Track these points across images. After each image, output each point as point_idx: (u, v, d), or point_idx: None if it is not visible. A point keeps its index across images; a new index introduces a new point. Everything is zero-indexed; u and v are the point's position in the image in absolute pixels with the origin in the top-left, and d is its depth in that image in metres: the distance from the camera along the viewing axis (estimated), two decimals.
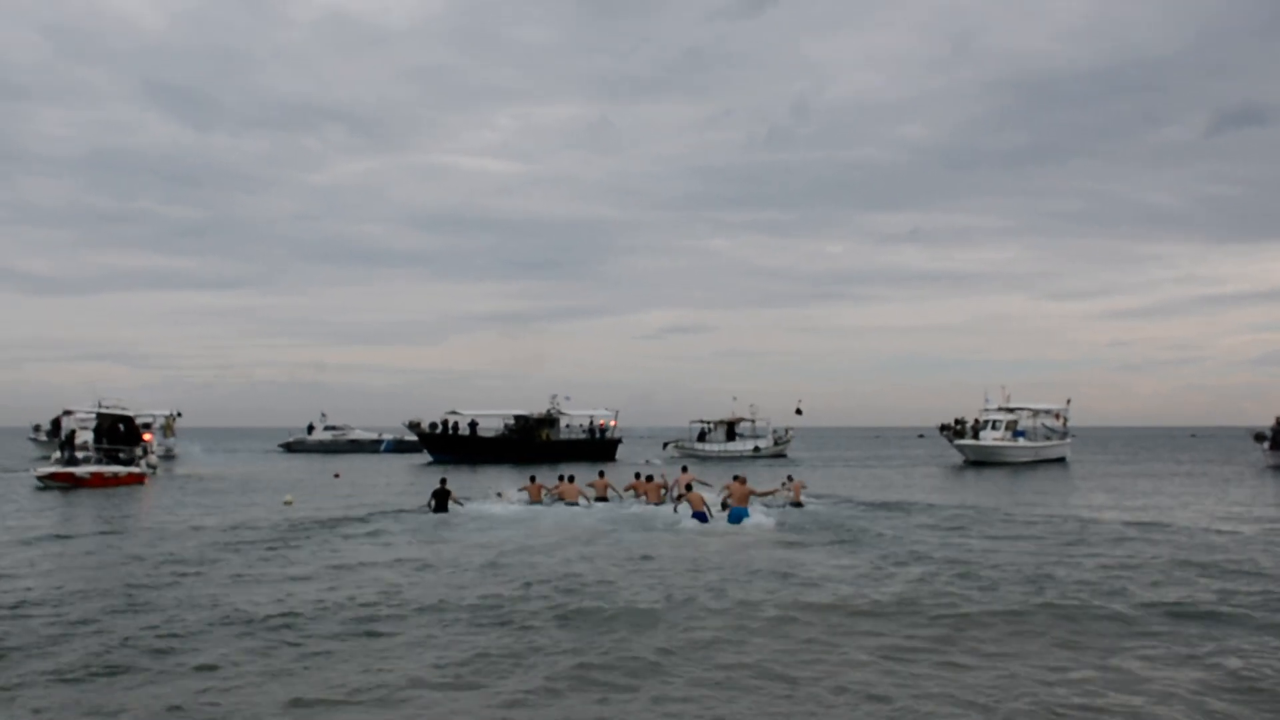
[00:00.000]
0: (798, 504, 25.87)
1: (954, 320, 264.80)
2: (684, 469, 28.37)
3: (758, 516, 22.37)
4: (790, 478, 27.90)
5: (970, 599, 13.65)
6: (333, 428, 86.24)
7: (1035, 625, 12.15)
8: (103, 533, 22.29)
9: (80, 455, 37.32)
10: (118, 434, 40.15)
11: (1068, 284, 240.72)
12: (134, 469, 38.35)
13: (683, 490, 24.69)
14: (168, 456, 60.23)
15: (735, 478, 23.44)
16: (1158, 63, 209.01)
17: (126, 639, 11.31)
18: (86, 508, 28.26)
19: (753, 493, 22.96)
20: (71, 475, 35.57)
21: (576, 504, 26.52)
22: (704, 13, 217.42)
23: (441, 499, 25.22)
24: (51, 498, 31.71)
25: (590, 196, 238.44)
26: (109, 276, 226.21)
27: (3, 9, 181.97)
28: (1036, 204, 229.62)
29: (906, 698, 9.19)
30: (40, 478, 35.88)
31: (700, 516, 22.16)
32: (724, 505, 22.67)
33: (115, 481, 36.51)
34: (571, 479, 27.85)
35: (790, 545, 19.43)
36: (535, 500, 27.26)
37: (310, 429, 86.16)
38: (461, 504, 25.94)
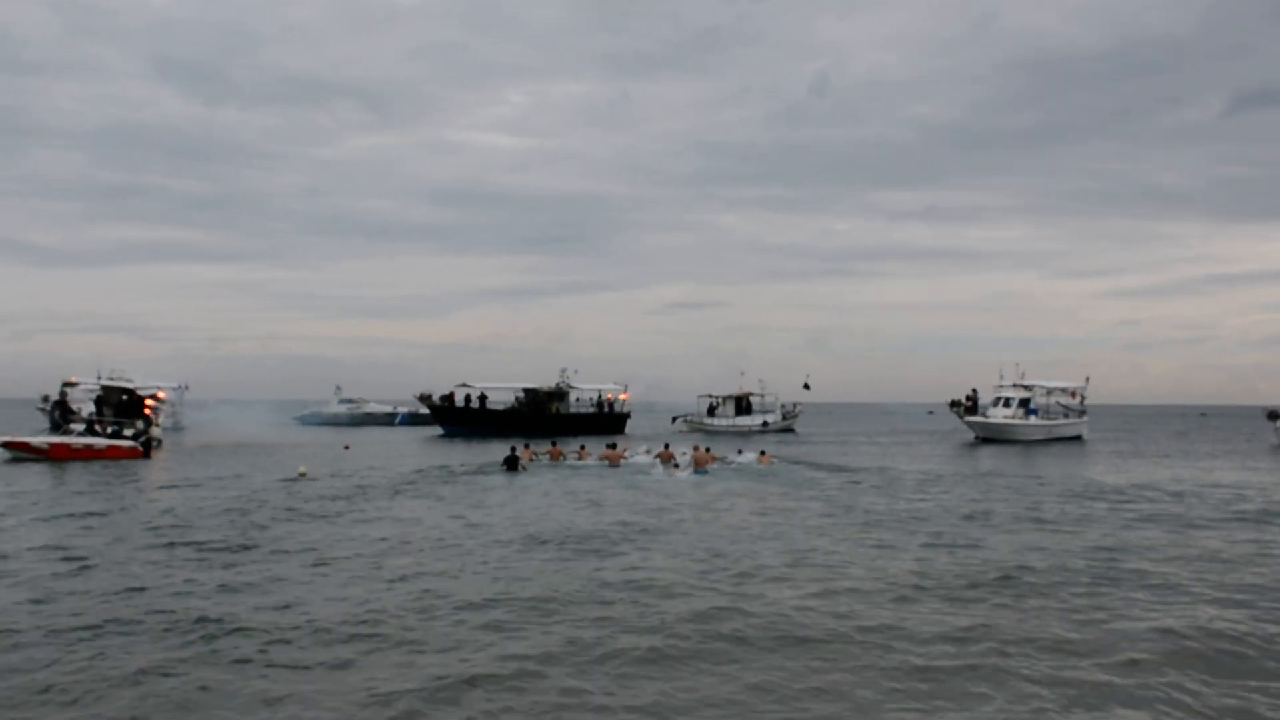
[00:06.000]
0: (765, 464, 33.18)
1: (964, 298, 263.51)
2: (695, 447, 33.84)
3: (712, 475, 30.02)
4: (763, 452, 34.57)
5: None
6: (348, 400, 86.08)
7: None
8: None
9: (75, 427, 36.60)
10: (122, 406, 39.62)
11: (1078, 263, 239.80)
12: (119, 442, 35.67)
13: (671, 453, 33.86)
14: (176, 428, 60.07)
15: (695, 447, 33.17)
16: (1174, 44, 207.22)
17: None
18: (45, 483, 27.95)
19: (710, 459, 31.50)
20: (28, 445, 34.20)
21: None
22: None
23: (512, 462, 30.92)
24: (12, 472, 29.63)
25: (601, 173, 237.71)
26: (118, 249, 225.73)
27: None
28: (1048, 183, 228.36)
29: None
30: (1, 446, 34.32)
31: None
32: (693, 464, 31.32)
33: (90, 454, 34.35)
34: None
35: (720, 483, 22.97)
36: (555, 460, 34.19)
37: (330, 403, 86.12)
38: (526, 467, 31.21)
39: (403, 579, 13.19)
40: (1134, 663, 9.46)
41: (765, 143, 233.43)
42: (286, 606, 11.45)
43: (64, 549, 15.43)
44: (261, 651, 9.62)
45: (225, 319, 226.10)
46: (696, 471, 30.27)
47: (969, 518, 20.02)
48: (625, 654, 9.62)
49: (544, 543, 16.36)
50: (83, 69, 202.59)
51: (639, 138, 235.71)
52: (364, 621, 10.75)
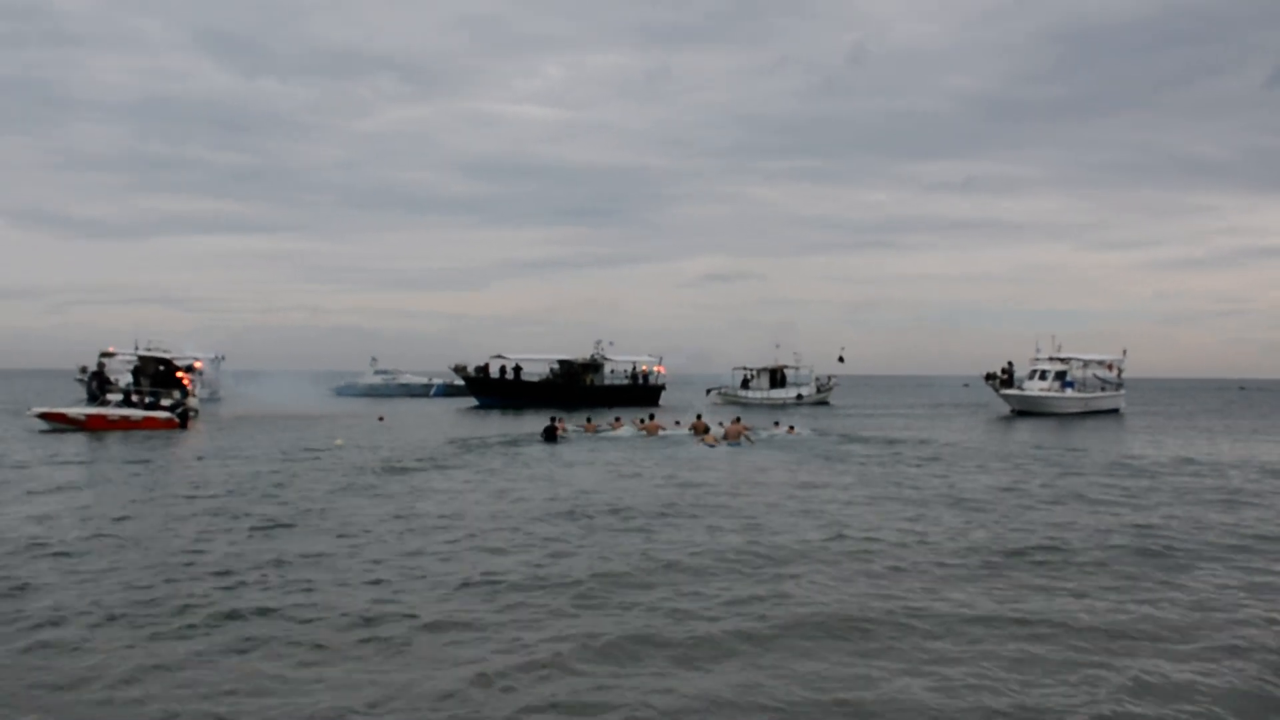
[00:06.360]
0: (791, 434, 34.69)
1: (999, 270, 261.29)
2: (735, 419, 33.61)
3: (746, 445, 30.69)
4: (791, 427, 35.88)
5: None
6: (383, 372, 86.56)
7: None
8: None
9: (112, 398, 36.78)
10: (159, 376, 39.79)
11: (1113, 234, 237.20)
12: (156, 413, 35.41)
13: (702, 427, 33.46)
14: (213, 399, 60.46)
15: (735, 420, 33.12)
16: (1214, 13, 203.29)
17: None
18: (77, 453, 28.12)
19: (743, 430, 31.51)
20: (64, 416, 34.55)
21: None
22: None
23: (551, 433, 31.45)
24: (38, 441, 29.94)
25: (637, 144, 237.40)
26: (159, 221, 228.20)
27: None
28: (1084, 155, 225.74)
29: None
30: (38, 416, 34.77)
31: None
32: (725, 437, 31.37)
33: (127, 425, 34.14)
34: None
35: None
36: (590, 431, 34.35)
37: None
38: (566, 437, 31.77)
39: (434, 557, 13.06)
40: (1199, 649, 9.14)
41: (802, 114, 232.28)
42: (321, 585, 11.30)
43: (98, 522, 15.44)
44: (295, 632, 9.46)
45: (264, 290, 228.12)
46: (730, 444, 30.46)
47: (1011, 493, 19.66)
48: (660, 639, 9.39)
49: (578, 518, 16.20)
50: (124, 41, 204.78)
51: (676, 109, 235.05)
52: (393, 603, 10.57)
